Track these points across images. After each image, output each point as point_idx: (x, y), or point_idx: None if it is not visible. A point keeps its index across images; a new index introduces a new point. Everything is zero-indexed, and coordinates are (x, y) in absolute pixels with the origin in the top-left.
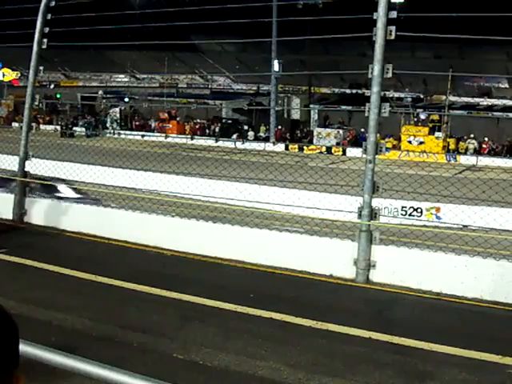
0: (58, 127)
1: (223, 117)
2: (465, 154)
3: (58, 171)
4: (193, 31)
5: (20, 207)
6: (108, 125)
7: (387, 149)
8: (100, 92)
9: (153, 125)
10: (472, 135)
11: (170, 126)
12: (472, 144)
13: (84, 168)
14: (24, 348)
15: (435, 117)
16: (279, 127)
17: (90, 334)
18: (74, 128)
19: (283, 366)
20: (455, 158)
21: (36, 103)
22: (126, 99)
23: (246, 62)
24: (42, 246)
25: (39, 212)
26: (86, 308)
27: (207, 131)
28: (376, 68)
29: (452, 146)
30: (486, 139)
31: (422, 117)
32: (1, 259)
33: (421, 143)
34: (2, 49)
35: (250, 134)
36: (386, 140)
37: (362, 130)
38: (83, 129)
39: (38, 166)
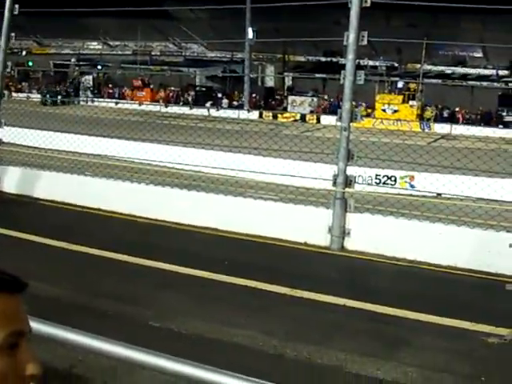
0: (32, 95)
1: (197, 84)
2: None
3: (31, 139)
4: None
5: None
6: (81, 92)
7: (362, 116)
8: (73, 59)
9: (117, 93)
10: (429, 102)
11: (144, 93)
12: (429, 111)
13: (57, 136)
14: None
15: (411, 85)
16: (253, 95)
17: (63, 302)
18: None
19: (258, 333)
20: (429, 127)
21: (8, 70)
22: (99, 67)
23: (220, 29)
24: (14, 214)
25: (12, 180)
26: (60, 277)
27: (181, 99)
28: (351, 35)
29: (429, 115)
30: (458, 109)
31: (400, 85)
32: None
33: (395, 112)
34: None
35: (224, 101)
36: (360, 109)
37: (331, 99)
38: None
39: (10, 134)
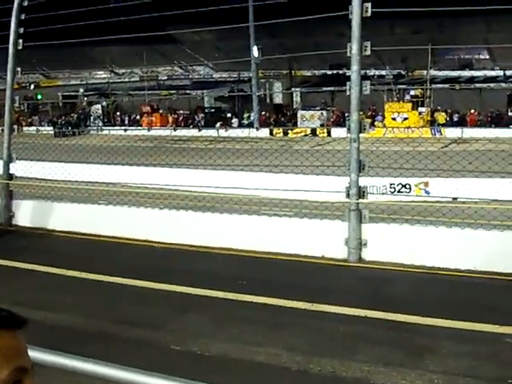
0: (42, 128)
1: (206, 106)
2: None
3: (44, 171)
4: (170, 22)
5: (7, 210)
6: (91, 122)
7: (371, 126)
8: (81, 90)
9: (126, 120)
10: (439, 107)
11: (153, 118)
12: (442, 116)
13: (69, 167)
14: None
15: (418, 92)
16: (263, 113)
17: (84, 331)
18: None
19: (281, 350)
20: (440, 132)
21: (16, 105)
22: (107, 95)
23: (225, 49)
24: (31, 247)
25: (27, 214)
26: (80, 306)
27: (191, 121)
28: (354, 46)
29: (442, 119)
30: (473, 111)
31: (412, 93)
32: None
33: (405, 119)
34: None
35: (234, 121)
36: (376, 122)
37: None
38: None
39: (22, 168)
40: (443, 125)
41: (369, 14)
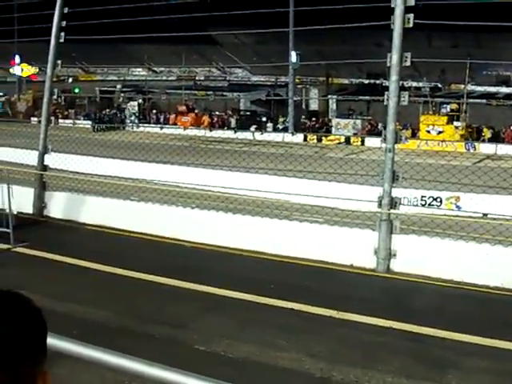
0: (78, 121)
1: (241, 109)
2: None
3: (78, 164)
4: (210, 23)
5: (40, 201)
6: (127, 118)
7: (406, 138)
8: (118, 86)
9: (162, 119)
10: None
11: (188, 118)
12: (487, 131)
13: (103, 161)
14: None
15: (454, 106)
16: (302, 118)
17: (110, 326)
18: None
19: (304, 356)
20: (474, 147)
21: (54, 97)
22: (145, 93)
23: (263, 53)
24: (62, 239)
25: (58, 205)
26: (107, 301)
27: (226, 123)
28: (394, 56)
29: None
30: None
31: (448, 109)
32: (22, 253)
33: (440, 133)
34: (21, 44)
35: (269, 125)
36: (406, 131)
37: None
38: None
39: (57, 160)
40: (483, 140)
41: (411, 24)
